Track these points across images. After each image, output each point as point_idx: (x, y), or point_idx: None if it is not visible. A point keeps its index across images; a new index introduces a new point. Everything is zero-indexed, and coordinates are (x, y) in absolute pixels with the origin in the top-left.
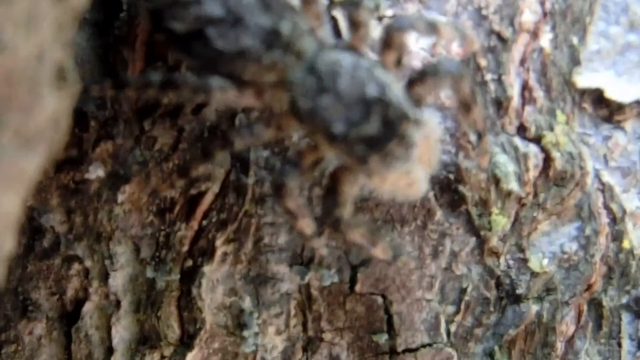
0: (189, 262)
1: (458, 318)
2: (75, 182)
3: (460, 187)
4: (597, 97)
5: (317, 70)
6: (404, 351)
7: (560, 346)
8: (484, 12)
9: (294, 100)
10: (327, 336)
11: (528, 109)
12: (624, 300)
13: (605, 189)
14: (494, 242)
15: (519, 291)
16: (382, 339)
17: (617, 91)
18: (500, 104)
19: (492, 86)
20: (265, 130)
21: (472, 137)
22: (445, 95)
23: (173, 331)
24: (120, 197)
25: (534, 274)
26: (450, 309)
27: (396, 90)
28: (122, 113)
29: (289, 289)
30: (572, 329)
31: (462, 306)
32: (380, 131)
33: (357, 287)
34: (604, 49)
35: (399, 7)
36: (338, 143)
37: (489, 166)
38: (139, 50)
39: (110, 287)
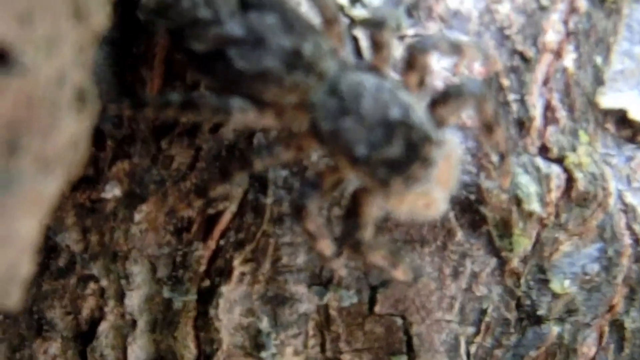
0: (206, 282)
1: (478, 339)
2: (91, 201)
3: (482, 208)
4: (620, 118)
5: (339, 91)
6: None
7: None
8: (506, 31)
9: (315, 122)
10: (346, 357)
11: (551, 129)
12: None
13: (628, 209)
14: (515, 263)
15: (540, 312)
16: None
17: None
18: (523, 125)
19: (514, 106)
20: (285, 151)
21: (494, 158)
22: (467, 115)
23: (190, 352)
24: (137, 217)
25: (555, 295)
26: (470, 330)
27: (419, 112)
28: (139, 132)
29: (307, 310)
30: (593, 350)
31: (482, 327)
32: (403, 154)
33: (377, 308)
34: (628, 68)
35: (420, 26)
36: (360, 165)
37: (511, 187)
38: (157, 68)
39: (126, 307)
